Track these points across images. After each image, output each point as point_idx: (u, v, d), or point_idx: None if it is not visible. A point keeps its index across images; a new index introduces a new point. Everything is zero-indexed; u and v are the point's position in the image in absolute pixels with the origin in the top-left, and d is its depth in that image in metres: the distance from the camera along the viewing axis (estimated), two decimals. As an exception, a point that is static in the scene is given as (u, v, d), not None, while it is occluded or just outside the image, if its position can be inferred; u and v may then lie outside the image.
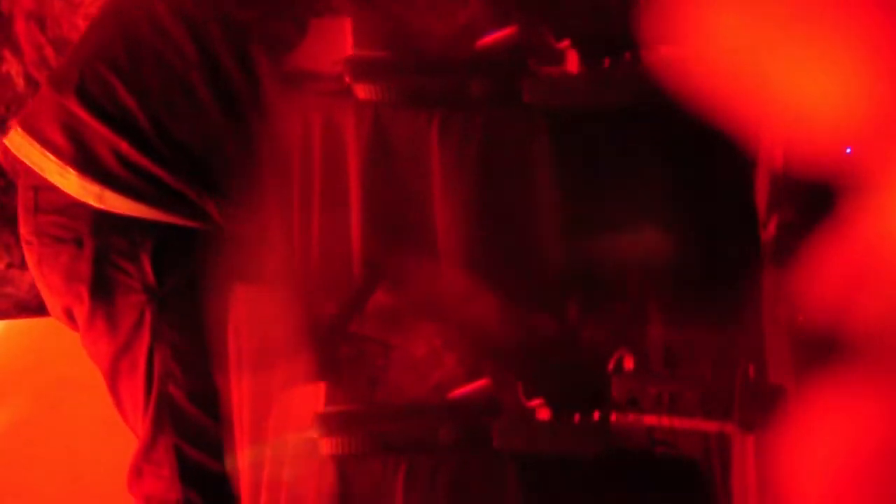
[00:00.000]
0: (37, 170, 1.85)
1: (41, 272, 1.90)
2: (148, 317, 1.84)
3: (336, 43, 1.72)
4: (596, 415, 1.62)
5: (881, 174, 1.15)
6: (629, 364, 1.63)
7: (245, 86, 1.78)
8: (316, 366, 1.73)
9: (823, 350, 1.24)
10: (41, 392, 2.28)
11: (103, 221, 1.84)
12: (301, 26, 1.76)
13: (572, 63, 1.66)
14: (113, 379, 1.90)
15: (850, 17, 1.15)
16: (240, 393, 1.78)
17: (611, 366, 1.63)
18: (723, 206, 1.69)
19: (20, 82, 2.65)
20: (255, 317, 1.77)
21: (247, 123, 1.79)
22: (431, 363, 1.68)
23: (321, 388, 1.73)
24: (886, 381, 1.13)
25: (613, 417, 1.62)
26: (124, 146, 1.80)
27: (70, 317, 1.92)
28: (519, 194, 1.71)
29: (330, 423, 1.71)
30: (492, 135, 1.68)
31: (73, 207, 1.85)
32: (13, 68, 2.63)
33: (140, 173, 1.81)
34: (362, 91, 1.70)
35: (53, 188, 1.85)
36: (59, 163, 1.84)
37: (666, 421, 1.61)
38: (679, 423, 1.62)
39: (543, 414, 1.64)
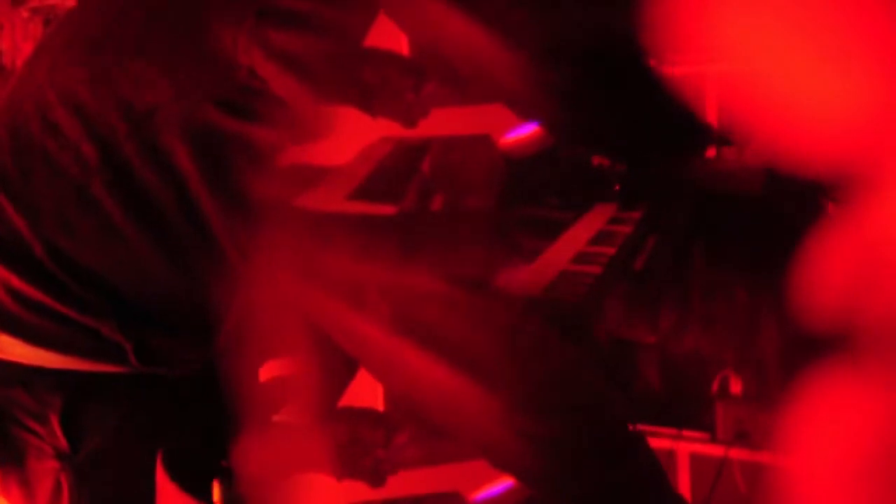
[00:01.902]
0: None
1: None
2: (66, 487, 1.48)
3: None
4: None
5: (884, 173, 1.15)
6: (736, 387, 1.27)
7: (165, 192, 1.43)
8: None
9: (826, 349, 1.17)
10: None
11: (4, 373, 1.47)
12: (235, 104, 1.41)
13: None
14: None
15: (853, 21, 1.15)
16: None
17: (714, 387, 1.27)
18: None
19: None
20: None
21: (176, 245, 1.45)
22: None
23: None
24: (890, 380, 1.11)
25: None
26: (15, 281, 1.44)
27: None
28: None
29: None
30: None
31: None
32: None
33: (40, 311, 1.45)
34: None
35: None
36: None
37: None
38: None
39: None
